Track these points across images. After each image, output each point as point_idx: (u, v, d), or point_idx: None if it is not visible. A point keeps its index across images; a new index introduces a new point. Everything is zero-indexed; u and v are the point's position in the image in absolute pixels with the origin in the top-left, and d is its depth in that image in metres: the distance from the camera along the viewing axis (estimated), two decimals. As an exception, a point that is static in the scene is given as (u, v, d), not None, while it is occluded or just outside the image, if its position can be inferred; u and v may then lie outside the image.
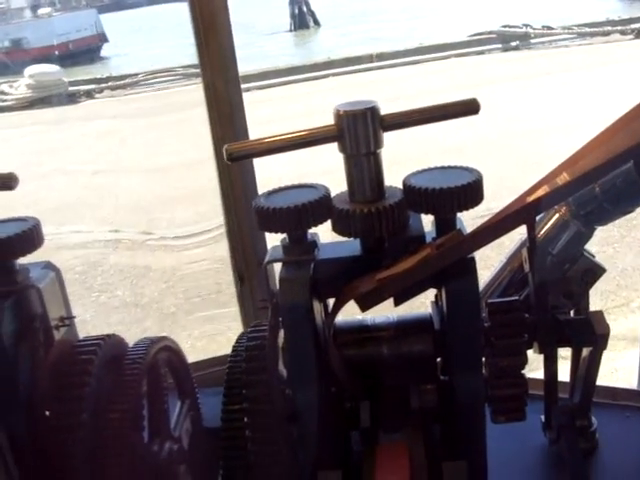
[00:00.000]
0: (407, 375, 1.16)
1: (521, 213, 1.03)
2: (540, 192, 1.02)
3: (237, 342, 1.28)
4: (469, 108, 1.07)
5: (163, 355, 1.42)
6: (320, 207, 1.06)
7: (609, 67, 10.83)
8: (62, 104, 13.30)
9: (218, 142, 1.73)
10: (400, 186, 1.09)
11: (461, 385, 1.07)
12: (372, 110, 1.03)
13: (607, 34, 13.52)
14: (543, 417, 1.43)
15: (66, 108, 13.16)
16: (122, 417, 1.23)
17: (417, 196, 1.05)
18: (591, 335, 1.15)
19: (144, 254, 6.44)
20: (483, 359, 1.12)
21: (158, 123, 10.26)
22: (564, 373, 1.35)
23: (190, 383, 1.55)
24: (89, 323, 4.76)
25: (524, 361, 1.13)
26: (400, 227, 1.07)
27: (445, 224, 1.08)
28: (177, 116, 9.63)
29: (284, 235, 1.11)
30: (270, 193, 1.11)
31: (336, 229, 1.08)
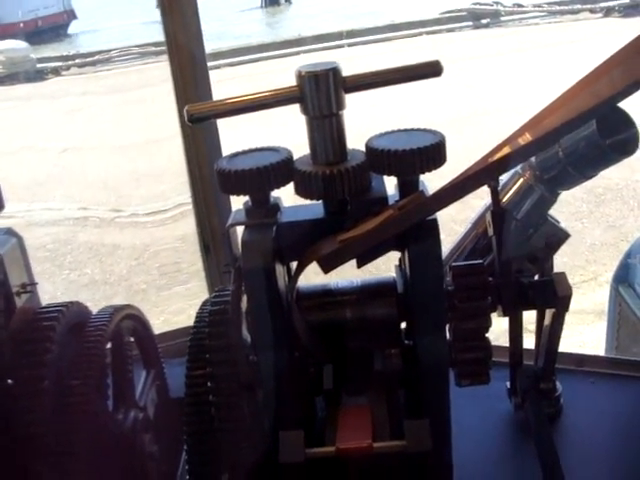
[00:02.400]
0: (371, 339, 1.16)
1: (484, 173, 1.03)
2: (503, 152, 1.02)
3: (201, 308, 1.27)
4: (432, 70, 1.06)
5: (127, 323, 1.41)
6: (282, 169, 1.05)
7: (578, 44, 10.88)
8: (30, 81, 13.16)
9: (182, 107, 1.72)
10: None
11: (425, 348, 1.07)
12: (334, 71, 1.02)
13: (576, 12, 13.58)
14: (508, 384, 1.44)
15: (35, 85, 13.03)
16: (85, 384, 1.22)
17: (379, 157, 1.04)
18: (554, 296, 1.15)
19: (113, 232, 6.41)
20: (447, 323, 1.12)
21: (126, 100, 10.19)
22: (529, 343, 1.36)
23: (155, 352, 1.54)
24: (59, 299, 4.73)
25: (488, 324, 1.13)
26: (362, 189, 1.06)
27: (408, 186, 1.07)
28: (146, 93, 9.57)
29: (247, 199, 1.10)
30: (233, 156, 1.10)
31: (298, 191, 1.07)
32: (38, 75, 13.56)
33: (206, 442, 1.17)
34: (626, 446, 1.42)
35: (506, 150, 1.03)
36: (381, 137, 1.09)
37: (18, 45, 14.09)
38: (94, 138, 8.96)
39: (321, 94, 1.02)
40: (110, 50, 14.10)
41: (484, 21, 13.67)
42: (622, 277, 2.46)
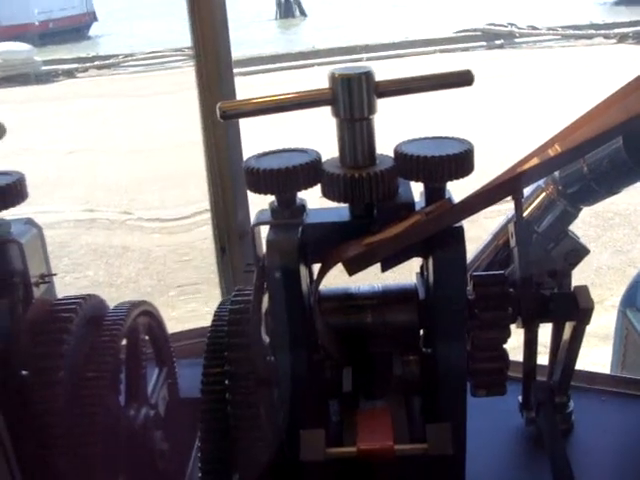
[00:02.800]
0: (390, 344, 1.16)
1: (510, 183, 1.03)
2: (530, 164, 1.02)
3: (219, 307, 1.27)
4: (463, 79, 1.07)
5: (143, 319, 1.41)
6: (310, 170, 1.05)
7: (592, 70, 10.89)
8: (33, 83, 13.13)
9: (205, 103, 1.73)
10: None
11: (443, 355, 1.07)
12: (367, 75, 1.03)
13: (590, 37, 13.61)
14: (520, 398, 1.44)
15: (41, 87, 13.01)
16: (99, 377, 1.22)
17: (408, 163, 1.04)
18: (575, 309, 1.15)
19: (117, 234, 6.40)
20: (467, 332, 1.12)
21: (142, 105, 10.19)
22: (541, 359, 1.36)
23: (168, 351, 1.55)
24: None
25: (507, 335, 1.13)
26: (390, 194, 1.06)
27: (434, 193, 1.07)
28: (165, 99, 9.57)
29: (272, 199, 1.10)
30: (261, 155, 1.11)
31: (325, 193, 1.07)
32: (44, 78, 13.52)
33: (220, 440, 1.17)
34: (636, 463, 1.42)
35: (533, 162, 1.03)
36: (410, 143, 1.09)
37: (19, 47, 14.01)
38: (102, 141, 8.94)
39: (353, 97, 1.03)
40: (129, 54, 14.11)
41: (498, 42, 13.70)
42: (630, 301, 2.46)
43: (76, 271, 5.77)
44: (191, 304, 4.94)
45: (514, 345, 1.25)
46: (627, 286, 2.53)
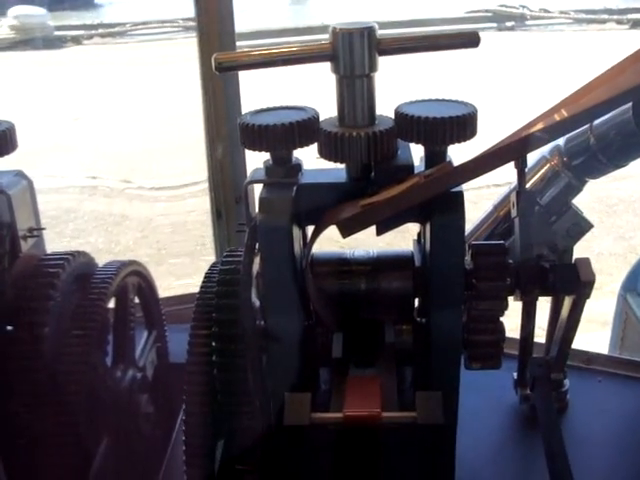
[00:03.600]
0: (383, 312, 1.13)
1: (513, 147, 1.00)
2: (536, 127, 0.99)
3: (210, 269, 1.24)
4: (469, 40, 1.03)
5: (133, 279, 1.38)
6: (307, 128, 1.02)
7: (602, 54, 10.81)
8: (46, 48, 13.07)
9: (206, 73, 1.70)
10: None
11: (438, 325, 1.04)
12: (369, 31, 0.99)
13: (603, 22, 13.50)
14: (515, 374, 1.41)
15: (51, 52, 12.95)
16: (85, 335, 1.20)
17: (408, 124, 1.01)
18: (576, 281, 1.12)
19: (122, 202, 6.38)
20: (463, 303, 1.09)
21: (147, 73, 10.15)
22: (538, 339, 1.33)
23: (158, 313, 1.52)
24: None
25: (504, 306, 1.10)
26: (388, 155, 1.03)
27: (435, 157, 1.04)
28: (169, 68, 9.51)
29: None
30: (257, 112, 1.07)
31: (322, 153, 1.04)
32: (55, 43, 13.47)
33: (205, 404, 1.14)
34: (631, 445, 1.40)
35: (539, 126, 1.00)
36: (412, 104, 1.06)
37: (35, 11, 13.96)
38: (107, 109, 8.91)
39: (354, 53, 0.99)
40: (135, 23, 14.04)
41: (509, 24, 13.59)
42: (630, 285, 2.44)
43: (80, 237, 5.75)
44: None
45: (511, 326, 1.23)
46: (628, 271, 2.51)
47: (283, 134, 1.00)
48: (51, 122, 8.59)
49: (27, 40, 13.33)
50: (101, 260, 1.38)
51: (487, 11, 13.99)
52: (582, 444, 1.37)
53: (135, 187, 6.66)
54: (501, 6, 13.92)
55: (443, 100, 1.07)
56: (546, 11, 13.96)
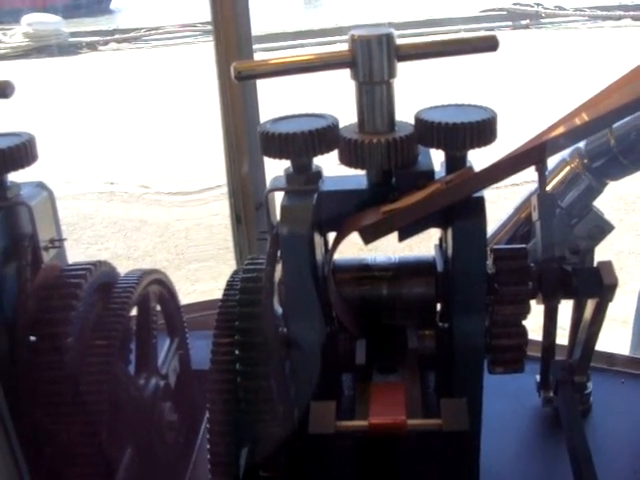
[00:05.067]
0: (406, 317, 1.12)
1: (533, 152, 1.00)
2: (555, 132, 0.98)
3: (231, 277, 1.24)
4: (488, 44, 1.03)
5: (154, 288, 1.39)
6: (327, 135, 1.02)
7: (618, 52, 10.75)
8: (60, 55, 13.13)
9: (223, 79, 1.70)
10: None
11: (461, 330, 1.04)
12: (388, 37, 0.99)
13: (618, 19, 13.42)
14: (538, 377, 1.41)
15: (66, 59, 13.00)
16: (108, 345, 1.20)
17: (428, 130, 1.01)
18: (599, 285, 1.11)
19: (140, 207, 6.39)
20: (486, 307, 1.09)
21: (163, 79, 10.18)
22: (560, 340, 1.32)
23: (180, 321, 1.52)
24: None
25: (527, 310, 1.10)
26: (409, 161, 1.03)
27: (455, 162, 1.04)
28: (187, 72, 9.53)
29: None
30: (277, 120, 1.07)
31: (342, 159, 1.04)
32: (70, 50, 13.52)
33: (229, 412, 1.14)
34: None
35: (559, 130, 0.99)
36: (431, 110, 1.06)
37: (48, 18, 14.01)
38: (123, 115, 8.94)
39: (373, 59, 0.99)
40: (151, 28, 14.08)
41: (523, 22, 13.54)
42: (651, 283, 2.42)
43: (98, 242, 5.77)
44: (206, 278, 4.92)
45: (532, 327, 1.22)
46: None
47: (303, 142, 1.01)
48: (68, 129, 8.63)
49: (42, 47, 13.40)
50: (121, 266, 1.38)
51: (501, 9, 13.94)
52: (606, 446, 1.37)
53: (153, 192, 6.67)
54: (515, 4, 13.87)
55: (462, 105, 1.07)
56: (561, 8, 13.90)
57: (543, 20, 13.70)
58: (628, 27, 13.02)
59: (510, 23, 13.61)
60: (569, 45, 11.94)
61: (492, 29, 13.37)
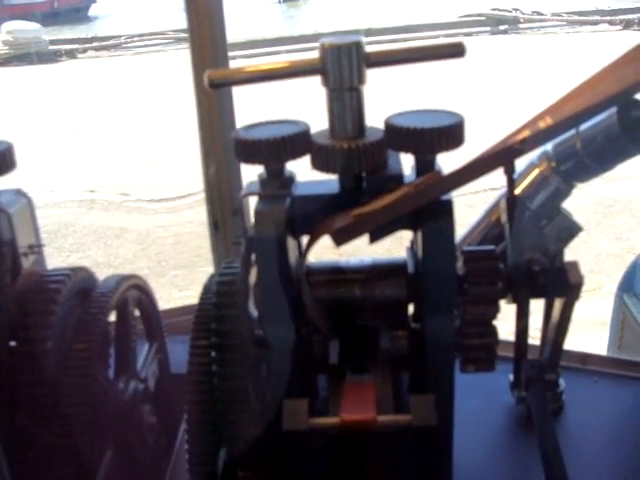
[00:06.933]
0: (378, 318, 1.15)
1: (501, 155, 1.02)
2: (521, 135, 1.01)
3: (208, 281, 1.26)
4: (455, 50, 1.06)
5: (133, 293, 1.40)
6: (299, 141, 1.04)
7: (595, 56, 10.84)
8: (40, 62, 13.09)
9: (199, 85, 1.72)
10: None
11: (431, 329, 1.06)
12: (357, 45, 1.02)
13: (595, 23, 13.54)
14: (511, 376, 1.43)
15: (46, 67, 12.98)
16: (87, 349, 1.22)
17: (398, 135, 1.03)
18: (565, 284, 1.14)
19: (120, 215, 6.40)
20: (456, 308, 1.11)
21: (141, 86, 10.18)
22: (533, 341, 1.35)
23: (159, 325, 1.54)
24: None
25: (496, 310, 1.12)
26: (379, 166, 1.05)
27: (424, 166, 1.06)
28: (164, 79, 9.54)
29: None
30: (250, 126, 1.10)
31: (315, 165, 1.06)
32: (50, 57, 13.49)
33: (207, 413, 1.16)
34: (626, 445, 1.41)
35: (525, 133, 1.02)
36: (400, 115, 1.08)
37: (28, 26, 13.98)
38: (103, 123, 8.93)
39: (343, 66, 1.01)
40: (129, 35, 14.09)
41: (502, 27, 13.63)
42: (627, 286, 2.45)
43: (79, 251, 5.77)
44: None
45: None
46: (625, 271, 2.53)
47: (275, 147, 1.03)
48: (48, 136, 8.61)
49: (21, 55, 13.36)
50: (101, 274, 1.40)
51: (480, 15, 14.03)
52: (577, 444, 1.39)
53: (133, 200, 6.68)
54: (494, 10, 13.97)
55: (431, 110, 1.10)
56: (539, 14, 14.01)
57: (521, 25, 13.81)
58: (605, 32, 13.13)
59: (489, 28, 13.70)
60: (547, 50, 12.02)
61: (470, 34, 13.48)
